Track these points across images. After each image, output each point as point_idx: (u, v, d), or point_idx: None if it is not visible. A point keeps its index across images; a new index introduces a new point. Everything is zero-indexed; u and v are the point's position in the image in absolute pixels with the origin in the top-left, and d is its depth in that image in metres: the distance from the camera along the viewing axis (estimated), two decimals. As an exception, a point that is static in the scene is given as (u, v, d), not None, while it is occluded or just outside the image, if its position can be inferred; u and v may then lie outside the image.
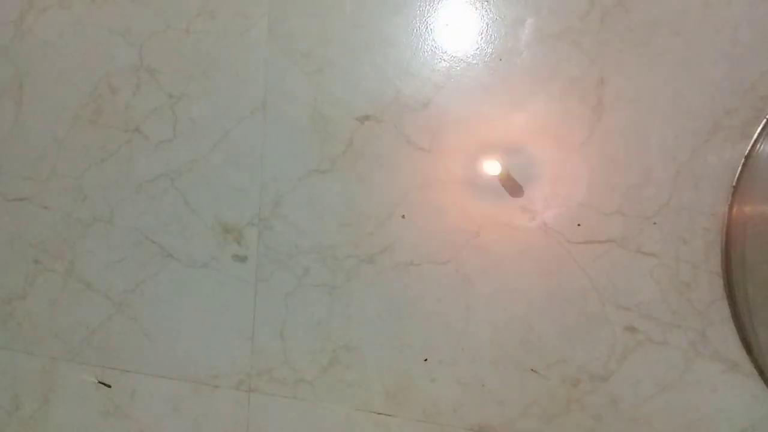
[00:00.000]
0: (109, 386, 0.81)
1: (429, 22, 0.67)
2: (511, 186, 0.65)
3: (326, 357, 0.72)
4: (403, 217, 0.69)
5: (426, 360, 0.69)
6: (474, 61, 0.65)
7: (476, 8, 0.65)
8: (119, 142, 0.77)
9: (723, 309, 0.60)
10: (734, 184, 0.58)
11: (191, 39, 0.74)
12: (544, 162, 0.64)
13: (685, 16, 0.59)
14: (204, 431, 0.78)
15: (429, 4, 0.66)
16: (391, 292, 0.70)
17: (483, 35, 0.65)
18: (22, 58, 0.80)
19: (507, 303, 0.66)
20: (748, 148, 0.57)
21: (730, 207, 0.58)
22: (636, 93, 0.61)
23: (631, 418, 0.64)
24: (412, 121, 0.67)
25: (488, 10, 0.65)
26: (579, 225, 0.64)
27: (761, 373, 0.58)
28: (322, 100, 0.70)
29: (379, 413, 0.71)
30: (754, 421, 0.61)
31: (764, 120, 0.57)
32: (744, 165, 0.58)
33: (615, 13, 0.61)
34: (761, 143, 0.57)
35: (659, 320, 0.62)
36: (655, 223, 0.62)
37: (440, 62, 0.66)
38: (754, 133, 0.57)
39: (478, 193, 0.66)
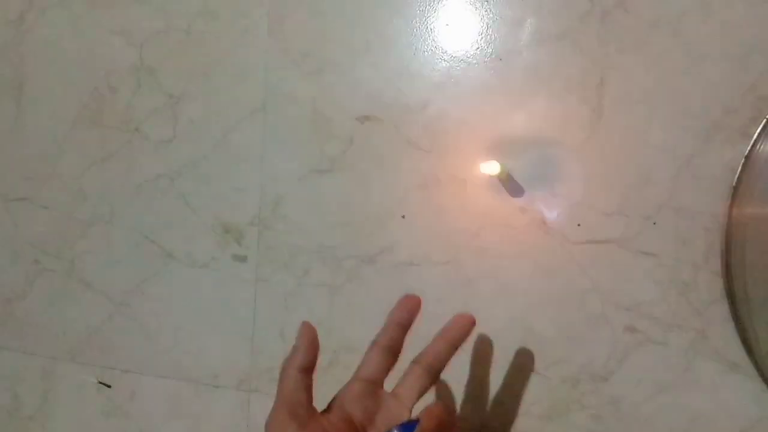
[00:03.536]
0: (109, 386, 0.81)
1: (429, 22, 0.66)
2: (511, 186, 0.64)
3: (326, 357, 0.72)
4: (403, 217, 0.69)
5: (426, 360, 0.69)
6: (474, 61, 0.65)
7: (476, 8, 0.65)
8: (119, 142, 0.77)
9: (723, 309, 0.60)
10: (734, 184, 0.58)
11: (191, 39, 0.74)
12: (544, 162, 0.64)
13: (685, 16, 0.59)
14: (204, 431, 0.78)
15: (429, 4, 0.66)
16: (392, 292, 0.69)
17: (483, 35, 0.65)
18: (22, 58, 0.80)
19: (507, 303, 0.66)
20: (748, 148, 0.57)
21: (730, 207, 0.58)
22: (636, 93, 0.61)
23: (631, 418, 0.64)
24: (412, 121, 0.67)
25: (488, 10, 0.65)
26: (579, 225, 0.64)
27: (761, 373, 0.58)
28: (322, 100, 0.70)
29: (379, 413, 0.71)
30: (754, 421, 0.61)
31: (764, 120, 0.57)
32: (744, 165, 0.58)
33: (615, 13, 0.61)
34: (761, 143, 0.57)
35: (659, 320, 0.62)
36: (655, 223, 0.62)
37: (440, 62, 0.66)
38: (754, 133, 0.57)
39: (478, 193, 0.66)
